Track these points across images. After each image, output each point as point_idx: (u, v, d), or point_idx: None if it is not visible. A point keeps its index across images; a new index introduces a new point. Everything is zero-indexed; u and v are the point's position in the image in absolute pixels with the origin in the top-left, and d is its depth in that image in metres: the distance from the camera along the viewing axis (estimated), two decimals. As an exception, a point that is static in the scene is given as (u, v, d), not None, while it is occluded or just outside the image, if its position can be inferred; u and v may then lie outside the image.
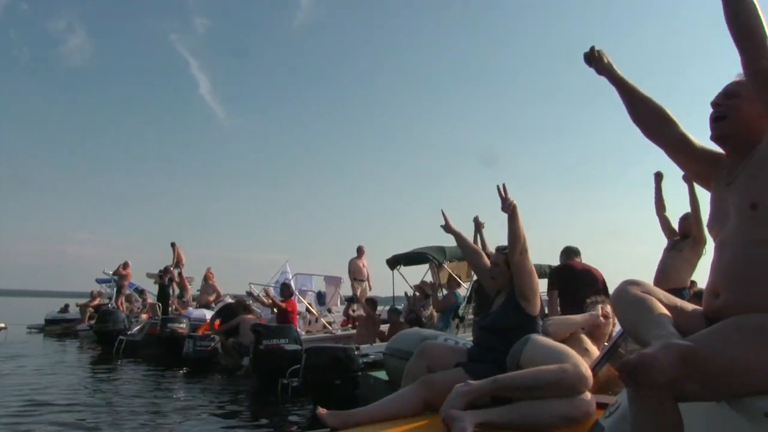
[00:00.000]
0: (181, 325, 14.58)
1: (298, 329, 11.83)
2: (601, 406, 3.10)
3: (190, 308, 17.26)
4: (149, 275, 19.48)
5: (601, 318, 4.37)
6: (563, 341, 3.93)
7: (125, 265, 21.37)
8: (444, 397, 3.49)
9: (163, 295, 17.93)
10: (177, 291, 18.94)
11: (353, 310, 14.55)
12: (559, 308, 7.07)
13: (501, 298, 4.27)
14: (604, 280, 7.17)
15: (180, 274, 19.33)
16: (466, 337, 7.05)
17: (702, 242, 6.76)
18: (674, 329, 2.04)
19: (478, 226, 7.18)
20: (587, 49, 2.78)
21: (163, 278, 18.09)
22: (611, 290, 7.16)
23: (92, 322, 20.57)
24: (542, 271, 12.93)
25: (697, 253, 6.86)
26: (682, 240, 6.96)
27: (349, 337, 12.12)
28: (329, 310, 16.75)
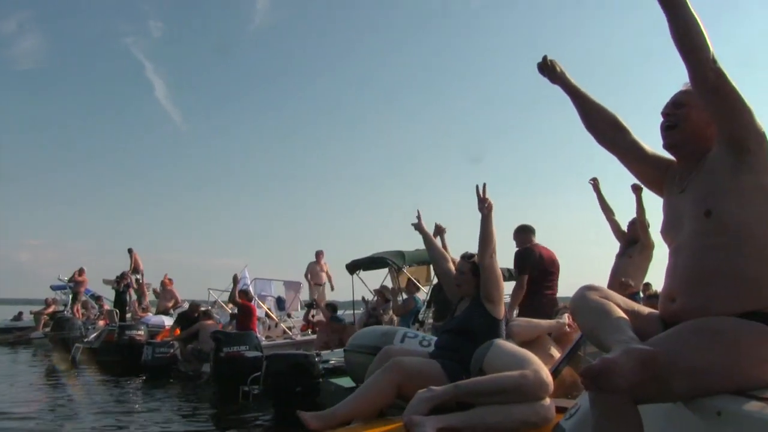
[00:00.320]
0: (139, 332, 14.43)
1: (258, 335, 11.82)
2: (561, 410, 3.17)
3: (149, 314, 17.10)
4: (106, 281, 19.19)
5: (568, 326, 4.45)
6: (528, 345, 4.00)
7: (80, 272, 20.94)
8: (414, 379, 3.61)
9: (119, 302, 17.69)
10: (134, 297, 18.74)
11: (313, 316, 14.54)
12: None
13: (465, 303, 4.29)
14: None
15: (138, 280, 19.12)
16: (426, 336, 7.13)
17: (650, 247, 6.86)
18: (633, 334, 2.10)
19: (440, 232, 7.24)
20: (540, 60, 2.82)
21: (120, 284, 17.88)
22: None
23: (47, 329, 20.16)
24: (504, 275, 13.09)
25: (647, 257, 6.94)
26: (632, 245, 7.05)
27: (309, 343, 12.09)
28: (289, 315, 16.70)
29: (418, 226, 4.99)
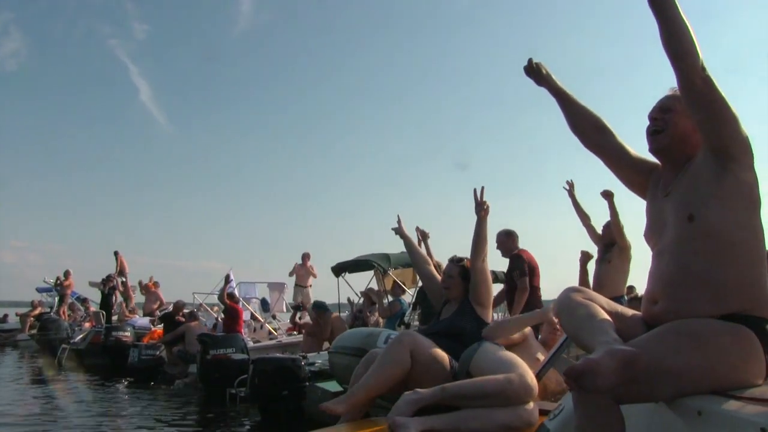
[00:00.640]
0: (126, 333, 14.37)
1: (245, 337, 11.83)
2: (545, 412, 3.22)
3: (136, 317, 17.05)
4: (92, 284, 19.09)
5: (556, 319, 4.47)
6: (515, 348, 4.01)
7: (67, 274, 20.95)
8: (423, 354, 3.69)
9: (105, 304, 17.63)
10: (120, 299, 18.67)
11: (299, 318, 14.54)
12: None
13: (453, 306, 4.29)
14: None
15: (124, 282, 19.06)
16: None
17: (627, 248, 6.89)
18: (616, 335, 2.10)
19: (424, 236, 7.25)
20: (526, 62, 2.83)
21: (106, 287, 17.81)
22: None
23: (33, 331, 20.12)
24: (492, 277, 13.14)
25: (626, 259, 6.96)
26: (609, 249, 7.06)
27: (295, 345, 12.09)
28: (274, 317, 16.69)
29: (399, 231, 4.99)
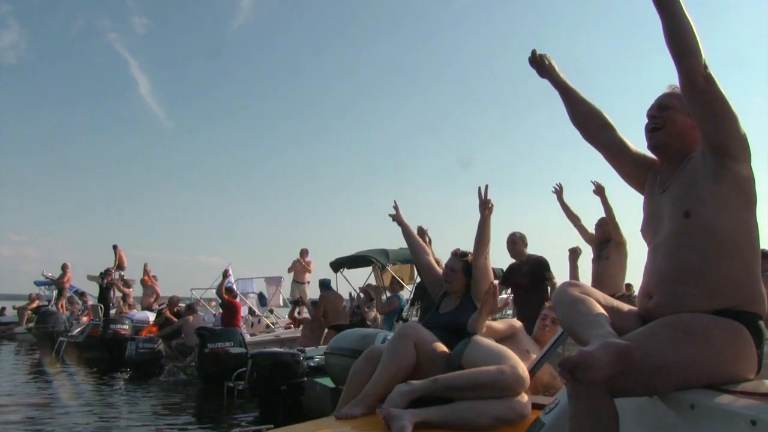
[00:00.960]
0: (124, 327, 14.43)
1: (243, 331, 11.85)
2: (538, 407, 3.22)
3: (134, 310, 17.09)
4: (90, 277, 19.09)
5: (549, 322, 4.48)
6: (505, 342, 4.02)
7: (64, 267, 20.94)
8: (426, 345, 3.69)
9: (104, 298, 17.66)
10: (119, 294, 18.69)
11: (298, 313, 14.57)
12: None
13: (453, 300, 4.26)
14: None
15: (122, 276, 19.07)
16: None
17: (623, 243, 6.83)
18: (611, 329, 2.11)
19: (422, 234, 7.22)
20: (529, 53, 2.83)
21: (104, 280, 17.82)
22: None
23: (30, 324, 20.18)
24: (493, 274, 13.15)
25: (623, 254, 6.90)
26: (605, 246, 7.01)
27: (293, 339, 12.12)
28: (271, 311, 16.73)
29: (396, 217, 4.88)
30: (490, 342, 3.70)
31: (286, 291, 16.55)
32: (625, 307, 2.48)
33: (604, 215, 6.90)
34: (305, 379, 7.64)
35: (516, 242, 7.15)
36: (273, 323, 14.96)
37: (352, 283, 13.80)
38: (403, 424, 3.07)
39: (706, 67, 2.16)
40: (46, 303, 21.68)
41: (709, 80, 2.16)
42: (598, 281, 6.81)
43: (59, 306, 20.14)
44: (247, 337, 11.54)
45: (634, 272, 7.47)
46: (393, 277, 12.11)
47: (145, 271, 18.69)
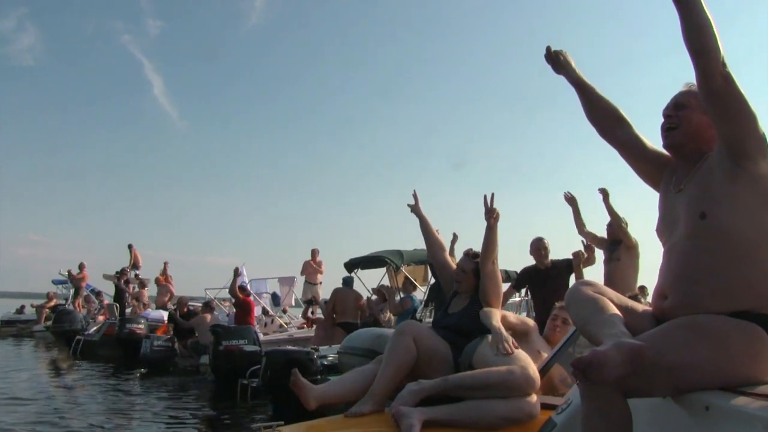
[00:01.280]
0: (140, 326, 14.51)
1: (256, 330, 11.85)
2: (548, 407, 3.23)
3: (149, 309, 17.19)
4: (106, 276, 19.25)
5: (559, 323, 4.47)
6: (518, 340, 4.02)
7: (81, 267, 21.12)
8: (425, 343, 3.70)
9: (119, 297, 17.78)
10: (136, 288, 18.82)
11: (312, 313, 14.59)
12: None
13: (462, 300, 4.25)
14: None
15: (137, 275, 19.20)
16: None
17: (634, 246, 6.83)
18: (625, 329, 2.08)
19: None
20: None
21: (120, 280, 17.94)
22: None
23: (48, 323, 20.36)
24: (503, 276, 13.14)
25: (635, 256, 6.89)
26: (616, 247, 6.97)
27: (307, 339, 12.12)
28: (284, 311, 16.77)
29: (415, 208, 4.83)
30: None
31: (298, 291, 16.58)
32: (640, 307, 2.45)
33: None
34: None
35: (542, 249, 7.09)
36: (286, 323, 14.99)
37: (366, 283, 13.80)
38: (411, 422, 3.09)
39: (724, 66, 2.11)
40: (63, 302, 21.86)
41: (728, 79, 2.11)
42: (609, 282, 6.74)
43: (76, 305, 20.30)
44: (261, 337, 11.55)
45: (649, 275, 7.44)
46: (406, 277, 12.09)
47: (164, 271, 18.77)
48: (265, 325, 14.49)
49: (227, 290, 13.61)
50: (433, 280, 10.10)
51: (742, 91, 2.15)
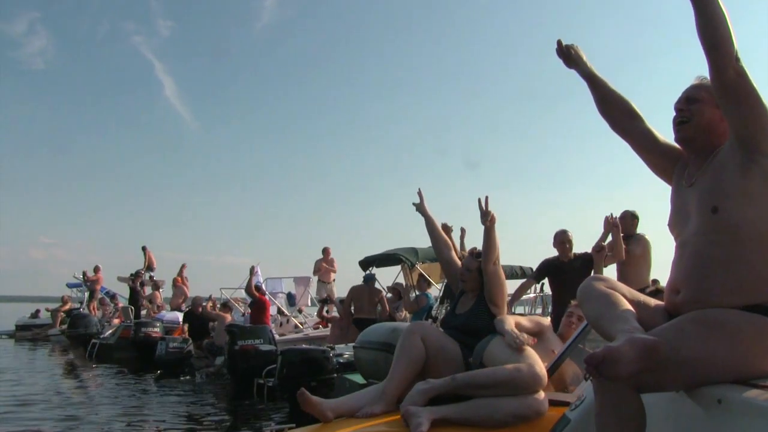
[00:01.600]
0: (155, 329, 14.58)
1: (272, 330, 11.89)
2: (557, 403, 3.29)
3: (163, 311, 17.26)
4: (120, 279, 19.34)
5: (575, 320, 4.49)
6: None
7: (96, 269, 21.21)
8: (433, 343, 3.74)
9: (134, 299, 17.85)
10: (150, 291, 18.91)
11: (327, 312, 14.61)
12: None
13: (469, 299, 4.28)
14: None
15: (152, 277, 19.28)
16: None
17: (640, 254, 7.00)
18: (637, 324, 2.09)
19: (446, 231, 7.17)
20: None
21: (135, 282, 18.02)
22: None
23: (63, 326, 20.45)
24: (514, 272, 13.12)
25: (647, 249, 7.04)
26: (627, 241, 6.95)
27: (322, 338, 12.14)
28: (300, 311, 16.79)
29: (420, 207, 4.77)
30: None
31: (312, 290, 16.59)
32: (652, 301, 2.45)
33: (626, 209, 7.04)
34: (335, 375, 7.69)
35: (566, 242, 7.06)
36: (301, 323, 15.01)
37: (381, 281, 13.80)
38: (420, 421, 3.11)
39: (738, 60, 2.11)
40: (78, 305, 21.94)
41: (741, 74, 2.12)
42: (622, 276, 6.79)
43: (91, 308, 20.37)
44: (276, 337, 11.59)
45: (661, 270, 7.45)
46: (421, 275, 12.08)
47: (180, 272, 18.85)
48: (281, 324, 14.51)
49: (242, 290, 13.65)
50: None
51: (755, 85, 2.15)
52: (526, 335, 3.62)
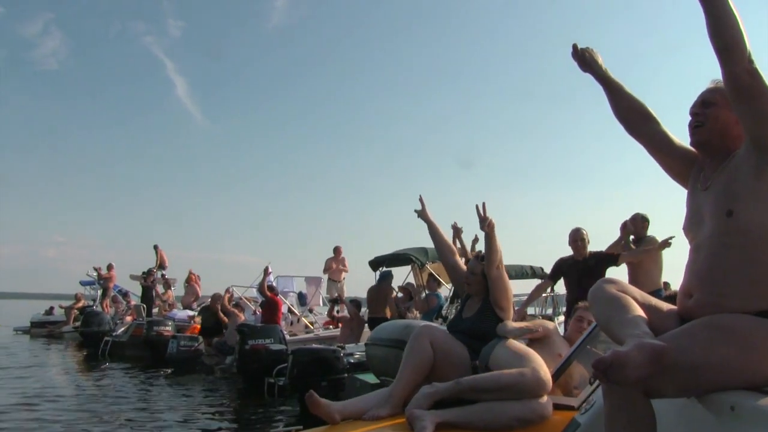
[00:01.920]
0: (167, 328, 14.64)
1: (282, 329, 11.91)
2: (561, 407, 3.29)
3: (175, 310, 17.35)
4: (132, 277, 19.45)
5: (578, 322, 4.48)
6: (537, 344, 4.06)
7: (109, 267, 21.34)
8: (441, 346, 3.76)
9: (146, 297, 17.96)
10: (163, 291, 19.00)
11: (337, 311, 14.63)
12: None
13: (475, 303, 4.30)
14: None
15: (163, 275, 19.39)
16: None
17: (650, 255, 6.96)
18: (648, 329, 2.07)
19: (457, 232, 7.15)
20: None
21: (147, 280, 18.11)
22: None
23: (77, 324, 20.60)
24: (524, 272, 13.10)
25: (658, 253, 6.97)
26: (639, 243, 6.99)
27: (332, 338, 12.18)
28: (310, 311, 16.83)
29: (422, 214, 4.77)
30: (516, 344, 3.76)
31: (323, 290, 16.63)
32: (665, 305, 2.43)
33: (637, 212, 6.98)
34: (345, 375, 7.69)
35: (579, 240, 7.01)
36: (312, 323, 15.03)
37: (392, 282, 13.79)
38: (424, 425, 3.12)
39: (751, 62, 2.07)
40: (91, 302, 22.09)
41: (754, 76, 2.08)
42: (634, 278, 6.79)
43: (104, 306, 20.51)
44: (287, 337, 11.61)
45: (674, 273, 7.45)
46: (430, 274, 12.07)
47: (191, 272, 18.93)
48: (291, 324, 14.55)
49: (254, 289, 13.67)
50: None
51: None
52: (529, 323, 3.62)
